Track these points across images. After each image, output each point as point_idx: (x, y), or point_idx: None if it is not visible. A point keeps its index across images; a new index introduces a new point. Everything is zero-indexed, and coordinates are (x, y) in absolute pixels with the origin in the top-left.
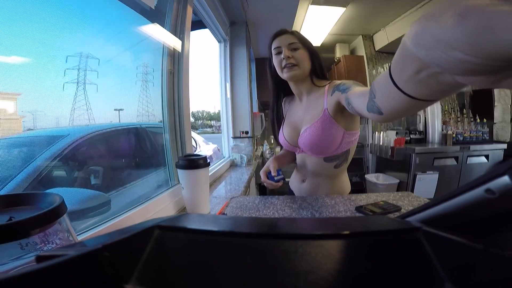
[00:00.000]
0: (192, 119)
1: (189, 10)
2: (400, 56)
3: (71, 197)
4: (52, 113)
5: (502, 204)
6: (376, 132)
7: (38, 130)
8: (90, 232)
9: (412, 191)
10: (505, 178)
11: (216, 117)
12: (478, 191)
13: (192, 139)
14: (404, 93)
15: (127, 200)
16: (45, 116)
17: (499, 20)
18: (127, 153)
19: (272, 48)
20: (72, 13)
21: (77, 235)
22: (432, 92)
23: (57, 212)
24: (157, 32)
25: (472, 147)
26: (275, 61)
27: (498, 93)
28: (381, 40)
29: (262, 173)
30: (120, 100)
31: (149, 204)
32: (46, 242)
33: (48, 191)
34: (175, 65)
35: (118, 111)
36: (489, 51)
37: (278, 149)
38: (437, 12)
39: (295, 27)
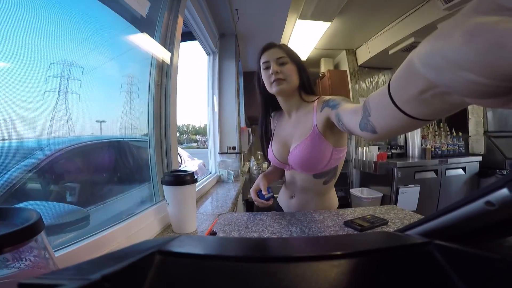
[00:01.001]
0: (177, 134)
1: (180, 21)
2: (404, 75)
3: (46, 211)
4: (30, 122)
5: (500, 214)
6: (359, 148)
7: (13, 141)
8: (67, 249)
9: (396, 203)
10: (504, 191)
11: (202, 132)
12: (478, 204)
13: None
14: (404, 113)
15: (107, 216)
16: (22, 126)
17: (511, 38)
18: (108, 167)
19: (261, 63)
20: (60, 17)
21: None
22: (434, 111)
23: (33, 229)
24: (146, 42)
25: (450, 160)
26: (263, 76)
27: (471, 107)
28: (364, 54)
29: (252, 192)
30: (103, 112)
31: (133, 220)
32: (19, 259)
33: (22, 204)
34: (163, 77)
35: (100, 123)
36: (501, 70)
37: (265, 165)
38: (445, 30)
39: (283, 41)
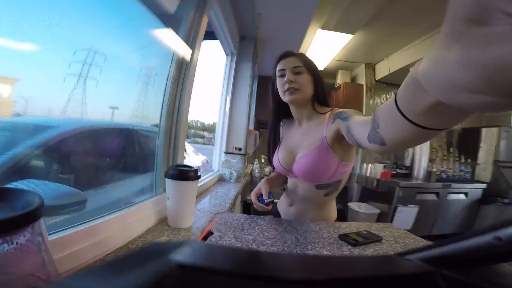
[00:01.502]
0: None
1: (204, 20)
2: (412, 90)
3: (45, 191)
4: (46, 101)
5: (504, 249)
6: (365, 164)
7: (27, 117)
8: (60, 233)
9: (391, 221)
10: None
11: (210, 129)
12: (487, 237)
13: None
14: (415, 124)
15: (105, 201)
16: (38, 104)
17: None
18: (113, 153)
19: (277, 70)
20: (90, 7)
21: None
22: (447, 120)
23: (33, 215)
24: (170, 38)
25: (454, 185)
26: (278, 83)
27: (485, 134)
28: (383, 69)
29: (253, 195)
30: (117, 99)
31: (130, 210)
32: (10, 242)
33: (22, 181)
34: (181, 73)
35: (112, 109)
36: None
37: (267, 169)
38: (438, 53)
39: (302, 49)
